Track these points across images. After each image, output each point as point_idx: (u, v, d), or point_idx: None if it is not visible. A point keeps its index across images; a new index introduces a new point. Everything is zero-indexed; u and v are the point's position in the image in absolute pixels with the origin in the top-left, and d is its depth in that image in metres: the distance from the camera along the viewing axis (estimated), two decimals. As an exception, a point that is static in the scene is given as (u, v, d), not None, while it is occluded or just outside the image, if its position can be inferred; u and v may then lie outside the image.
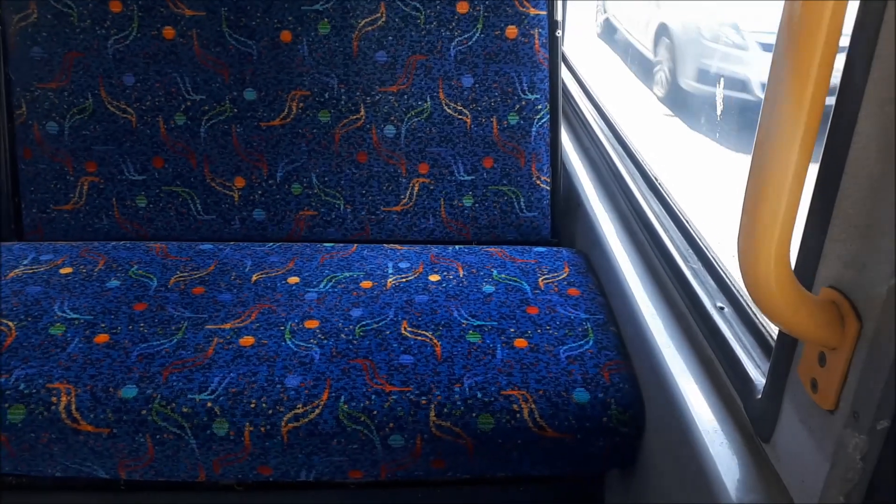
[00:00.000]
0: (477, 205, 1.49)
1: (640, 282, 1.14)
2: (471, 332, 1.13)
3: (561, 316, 1.18)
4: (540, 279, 1.29)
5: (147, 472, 1.03)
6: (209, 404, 1.00)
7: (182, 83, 1.44)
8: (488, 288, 1.26)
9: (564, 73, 1.82)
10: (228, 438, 0.99)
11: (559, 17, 1.50)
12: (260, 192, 1.47)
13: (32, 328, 1.11)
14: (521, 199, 1.49)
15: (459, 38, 1.46)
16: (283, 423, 0.99)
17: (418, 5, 1.45)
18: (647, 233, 1.18)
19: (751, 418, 0.78)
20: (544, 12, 1.47)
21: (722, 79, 3.41)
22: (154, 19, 1.42)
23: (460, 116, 1.47)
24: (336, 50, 1.45)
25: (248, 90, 1.45)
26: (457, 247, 1.42)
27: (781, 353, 0.68)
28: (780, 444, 0.70)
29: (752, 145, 0.53)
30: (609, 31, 5.96)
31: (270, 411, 0.99)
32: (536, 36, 1.47)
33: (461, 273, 1.31)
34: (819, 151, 0.57)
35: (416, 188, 1.49)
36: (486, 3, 1.45)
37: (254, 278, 1.27)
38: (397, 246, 1.42)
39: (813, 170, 0.55)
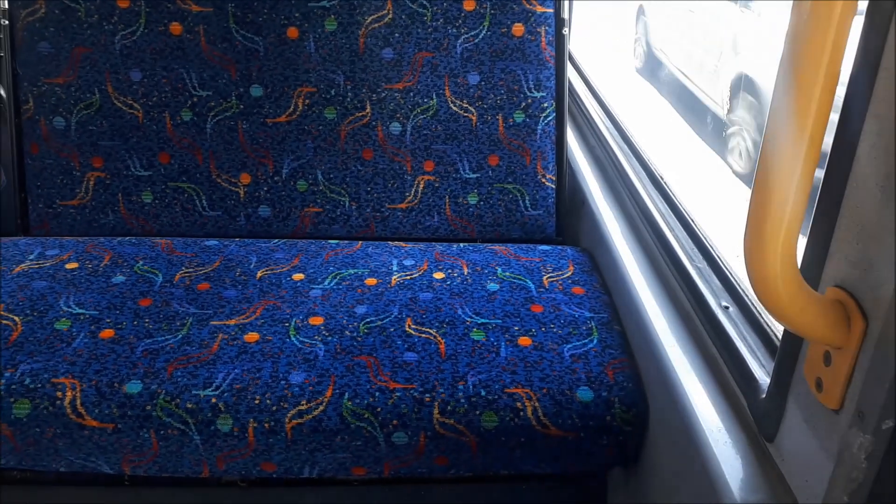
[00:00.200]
0: (482, 202, 1.49)
1: (645, 280, 1.14)
2: (475, 329, 1.13)
3: (565, 314, 1.18)
4: (544, 277, 1.29)
5: (151, 468, 1.03)
6: (213, 400, 1.00)
7: (189, 79, 1.44)
8: (493, 286, 1.26)
9: (570, 71, 1.82)
10: (232, 434, 0.99)
11: (566, 15, 1.50)
12: (265, 188, 1.47)
13: (38, 323, 1.11)
14: (527, 198, 1.49)
15: (466, 36, 1.46)
16: (287, 420, 0.99)
17: (425, 2, 1.45)
18: (652, 231, 1.18)
19: (755, 417, 0.78)
20: (551, 10, 1.47)
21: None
22: (161, 15, 1.42)
23: (466, 114, 1.47)
24: (342, 47, 1.45)
25: (254, 86, 1.45)
26: (461, 244, 1.42)
27: (786, 353, 0.68)
28: (785, 443, 0.70)
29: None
30: (652, 67, 4.91)
31: (274, 408, 1.00)
32: (543, 34, 1.47)
33: (466, 271, 1.31)
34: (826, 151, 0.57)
35: (422, 186, 1.49)
36: (493, 0, 1.45)
37: (259, 275, 1.28)
38: (402, 243, 1.42)
39: (820, 170, 0.55)
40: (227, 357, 1.06)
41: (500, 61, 1.46)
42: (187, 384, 1.01)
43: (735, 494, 0.71)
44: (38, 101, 1.43)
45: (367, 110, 1.46)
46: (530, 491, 1.22)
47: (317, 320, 1.14)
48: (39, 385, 1.01)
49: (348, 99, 1.46)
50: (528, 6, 1.46)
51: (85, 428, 0.99)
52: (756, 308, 0.90)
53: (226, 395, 1.00)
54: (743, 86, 3.22)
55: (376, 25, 1.45)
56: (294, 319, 1.15)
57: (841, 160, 0.58)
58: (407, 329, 1.13)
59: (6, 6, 1.42)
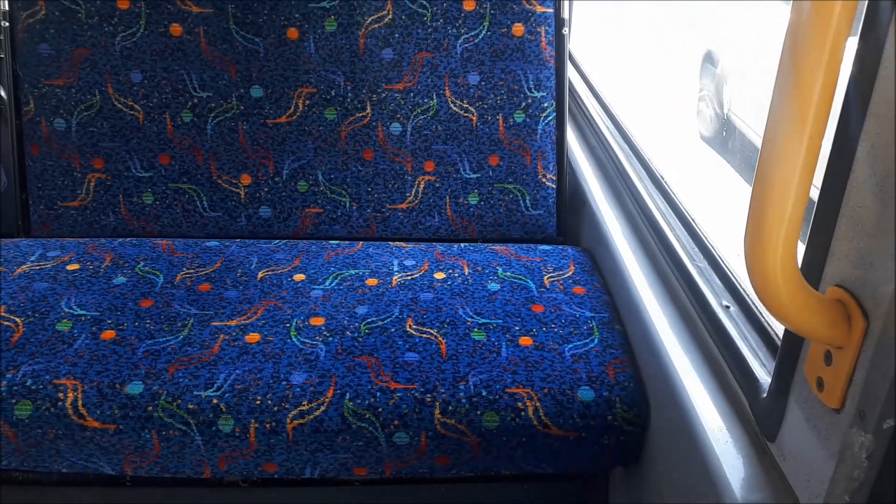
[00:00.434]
0: (482, 203, 1.49)
1: (646, 280, 1.14)
2: (476, 329, 1.13)
3: (566, 314, 1.18)
4: (545, 277, 1.29)
5: (153, 469, 1.03)
6: (215, 401, 1.00)
7: (189, 80, 1.44)
8: (493, 286, 1.26)
9: (570, 71, 1.82)
10: (234, 435, 0.99)
11: (566, 15, 1.50)
12: (266, 189, 1.48)
13: (39, 324, 1.11)
14: (527, 197, 1.49)
15: (466, 36, 1.46)
16: (288, 420, 0.99)
17: (425, 3, 1.45)
18: (653, 231, 1.18)
19: (756, 417, 0.78)
20: (551, 10, 1.47)
21: None
22: (161, 16, 1.42)
23: (466, 114, 1.47)
24: (342, 47, 1.45)
25: (254, 87, 1.45)
26: (462, 245, 1.42)
27: (787, 352, 0.68)
28: (786, 443, 0.70)
29: None
30: (726, 137, 3.64)
31: (276, 408, 1.00)
32: (543, 33, 1.47)
33: (466, 271, 1.31)
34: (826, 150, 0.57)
35: (422, 186, 1.49)
36: (493, 0, 1.45)
37: (260, 275, 1.28)
38: (403, 244, 1.42)
39: (820, 168, 0.55)
40: (229, 358, 1.06)
41: (500, 61, 1.47)
42: (189, 385, 1.02)
43: (736, 494, 0.71)
44: (39, 103, 1.43)
45: (368, 111, 1.46)
46: (531, 491, 1.22)
47: (318, 321, 1.15)
48: (41, 386, 1.01)
49: (348, 99, 1.46)
50: (527, 6, 1.46)
51: (86, 429, 0.99)
52: (757, 308, 0.90)
53: (227, 395, 1.01)
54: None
55: (376, 26, 1.45)
56: (295, 320, 1.15)
57: (841, 159, 0.58)
58: (408, 329, 1.13)
59: (6, 8, 1.42)
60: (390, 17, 1.45)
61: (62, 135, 1.44)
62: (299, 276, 1.28)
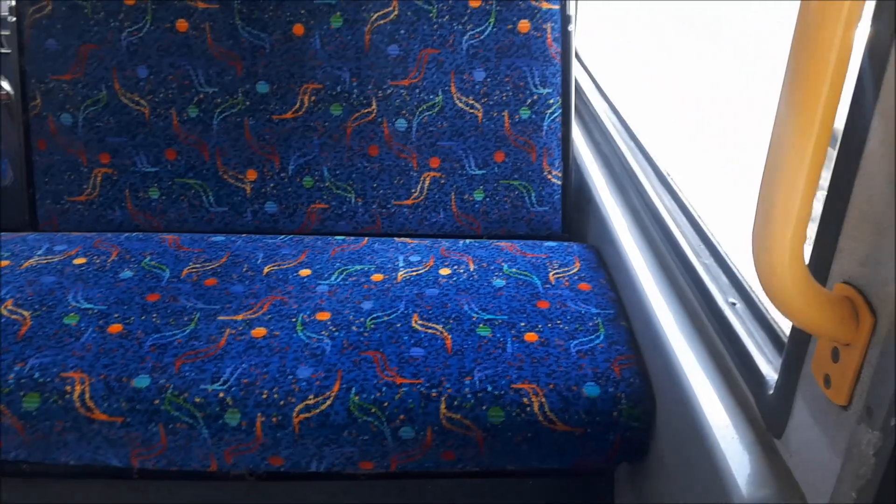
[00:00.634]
0: (488, 199, 1.49)
1: (652, 277, 1.14)
2: (481, 325, 1.14)
3: (571, 310, 1.18)
4: (551, 274, 1.30)
5: (159, 462, 1.04)
6: (221, 394, 1.00)
7: (195, 76, 1.44)
8: (499, 282, 1.26)
9: (576, 68, 1.82)
10: (240, 429, 0.99)
11: (572, 12, 1.49)
12: (272, 184, 1.48)
13: (47, 318, 1.12)
14: (533, 194, 1.49)
15: (472, 32, 1.46)
16: (294, 414, 0.99)
17: None
18: (659, 228, 1.18)
19: (762, 414, 0.78)
20: (557, 6, 1.47)
21: None
22: (167, 12, 1.43)
23: (472, 110, 1.47)
24: (348, 43, 1.45)
25: (260, 83, 1.45)
26: (467, 241, 1.42)
27: (794, 349, 0.68)
28: (792, 439, 0.70)
29: None
30: None
31: (282, 402, 1.00)
32: (549, 30, 1.47)
33: (472, 267, 1.31)
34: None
35: (427, 182, 1.49)
36: None
37: (266, 270, 1.28)
38: (408, 239, 1.42)
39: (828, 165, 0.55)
40: (235, 352, 1.07)
41: (505, 58, 1.46)
42: (195, 379, 1.02)
43: (742, 490, 0.71)
44: (46, 98, 1.44)
45: (373, 107, 1.47)
46: (536, 486, 1.23)
47: (324, 316, 1.15)
48: (49, 379, 1.01)
49: (354, 96, 1.46)
50: (534, 3, 1.45)
51: (94, 421, 1.00)
52: (763, 304, 0.90)
53: (233, 389, 1.01)
54: None
55: (382, 22, 1.45)
56: (301, 315, 1.15)
57: (849, 156, 0.58)
58: (413, 325, 1.13)
59: (13, 3, 1.43)
60: (396, 13, 1.45)
61: (69, 130, 1.44)
62: (305, 272, 1.28)
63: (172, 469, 1.05)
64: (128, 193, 1.47)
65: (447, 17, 1.45)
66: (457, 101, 1.47)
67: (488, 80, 1.47)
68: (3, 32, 2.14)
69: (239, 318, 1.14)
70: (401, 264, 1.31)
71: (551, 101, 1.48)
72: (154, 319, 1.13)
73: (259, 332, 1.11)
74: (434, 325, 1.13)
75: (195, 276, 1.25)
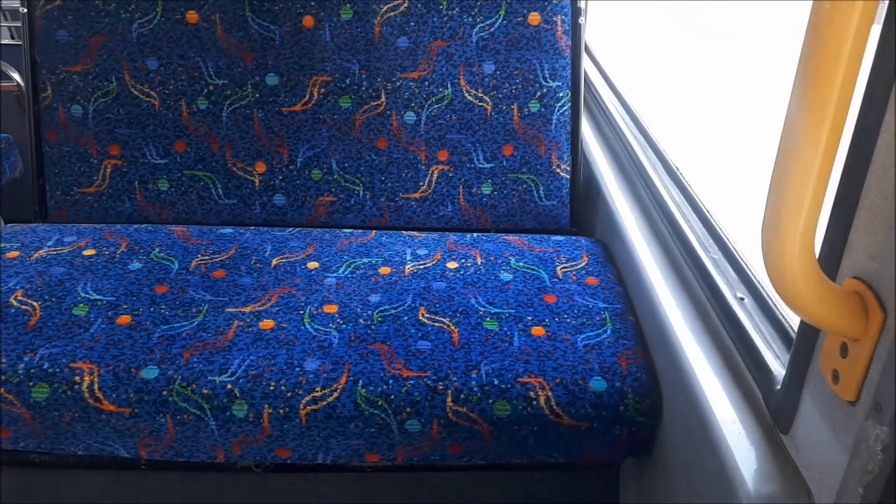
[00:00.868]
0: (496, 192, 1.49)
1: (660, 271, 1.13)
2: (488, 319, 1.14)
3: (579, 305, 1.18)
4: (558, 268, 1.29)
5: (167, 452, 1.05)
6: (229, 386, 1.01)
7: (205, 67, 1.45)
8: (506, 276, 1.26)
9: (586, 61, 1.81)
10: (248, 420, 1.00)
11: (582, 5, 1.49)
12: (280, 177, 1.48)
13: (56, 308, 1.13)
14: (541, 188, 1.49)
15: (482, 25, 1.45)
16: (301, 406, 1.00)
17: None
18: (668, 222, 1.18)
19: (770, 409, 0.78)
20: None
21: None
22: (178, 3, 1.43)
23: (481, 103, 1.47)
24: (358, 35, 1.45)
25: (270, 75, 1.45)
26: (475, 234, 1.42)
27: (802, 344, 0.68)
28: (800, 435, 0.70)
29: None
30: None
31: (289, 394, 1.00)
32: (559, 23, 1.46)
33: (479, 261, 1.31)
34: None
35: (436, 175, 1.49)
36: None
37: (274, 263, 1.28)
38: (415, 233, 1.42)
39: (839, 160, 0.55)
40: (243, 344, 1.07)
41: (515, 50, 1.46)
42: (203, 370, 1.03)
43: (749, 486, 0.71)
44: (56, 89, 1.44)
45: (382, 99, 1.46)
46: (542, 480, 1.23)
47: (331, 308, 1.15)
48: (58, 369, 1.02)
49: (363, 88, 1.46)
50: None
51: (102, 412, 1.00)
52: (772, 299, 0.89)
53: (241, 381, 1.01)
54: None
55: (392, 14, 1.45)
56: (309, 307, 1.15)
57: (860, 151, 0.57)
58: (420, 318, 1.13)
59: None
60: (406, 5, 1.45)
61: (79, 121, 1.45)
62: (313, 264, 1.28)
63: (180, 460, 1.06)
64: (137, 185, 1.47)
65: (457, 9, 1.45)
66: (466, 94, 1.46)
67: (498, 72, 1.46)
68: (14, 24, 2.15)
69: (247, 310, 1.15)
70: (408, 257, 1.31)
71: (561, 95, 1.48)
72: (163, 311, 1.14)
73: (267, 324, 1.11)
74: (441, 319, 1.13)
75: (204, 267, 1.26)
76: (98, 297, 1.16)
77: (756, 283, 0.94)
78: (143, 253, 1.30)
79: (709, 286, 0.98)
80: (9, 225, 1.41)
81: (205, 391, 1.00)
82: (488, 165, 1.48)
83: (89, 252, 1.29)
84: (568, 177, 1.50)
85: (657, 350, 1.06)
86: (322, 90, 1.46)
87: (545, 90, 1.47)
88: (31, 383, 1.01)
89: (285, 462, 1.06)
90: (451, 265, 1.29)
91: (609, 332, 1.12)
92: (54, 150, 1.46)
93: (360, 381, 1.02)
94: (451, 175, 1.49)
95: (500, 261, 1.31)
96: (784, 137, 0.52)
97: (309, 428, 1.00)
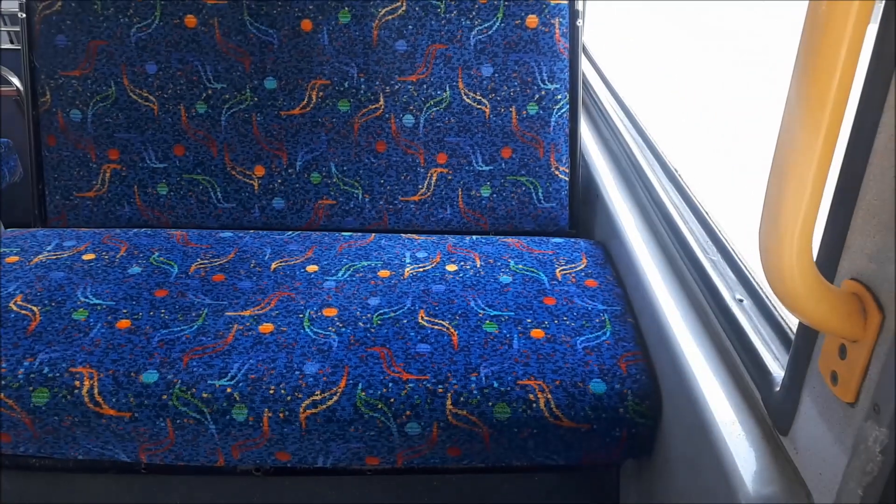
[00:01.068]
0: (495, 195, 1.49)
1: (659, 273, 1.13)
2: (487, 321, 1.14)
3: (578, 307, 1.18)
4: (557, 270, 1.29)
5: (167, 457, 1.04)
6: (229, 390, 1.01)
7: (203, 71, 1.45)
8: (505, 278, 1.26)
9: (584, 63, 1.81)
10: (247, 424, 1.00)
11: (580, 7, 1.49)
12: (279, 180, 1.48)
13: (56, 313, 1.13)
14: (540, 190, 1.49)
15: (479, 28, 1.45)
16: (301, 410, 1.00)
17: None
18: (666, 224, 1.18)
19: (769, 411, 0.78)
20: (565, 1, 1.46)
21: None
22: (176, 7, 1.43)
23: (479, 106, 1.47)
24: (356, 39, 1.45)
25: (268, 79, 1.45)
26: (474, 237, 1.42)
27: (801, 346, 0.68)
28: (799, 436, 0.70)
29: None
30: None
31: (289, 398, 1.00)
32: (557, 25, 1.46)
33: (478, 263, 1.31)
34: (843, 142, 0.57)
35: (434, 178, 1.49)
36: None
37: (273, 266, 1.28)
38: (415, 236, 1.42)
39: (837, 161, 0.55)
40: (242, 347, 1.07)
41: (513, 53, 1.46)
42: (203, 374, 1.02)
43: (748, 487, 0.71)
44: (55, 94, 1.44)
45: (381, 103, 1.47)
46: (542, 482, 1.23)
47: (331, 312, 1.15)
48: (58, 374, 1.02)
49: (362, 91, 1.46)
50: None
51: (102, 416, 1.00)
52: (770, 301, 0.89)
53: (241, 384, 1.01)
54: None
55: (390, 17, 1.45)
56: (308, 311, 1.15)
57: (858, 152, 0.57)
58: (420, 321, 1.13)
59: (24, 0, 1.43)
60: (404, 8, 1.45)
61: (78, 126, 1.45)
62: (312, 268, 1.28)
63: (180, 464, 1.06)
64: (136, 189, 1.47)
65: (455, 12, 1.45)
66: (464, 97, 1.46)
67: (496, 75, 1.46)
68: (13, 28, 2.15)
69: (246, 313, 1.15)
70: (407, 260, 1.31)
71: (559, 97, 1.48)
72: (162, 315, 1.14)
73: (266, 327, 1.11)
74: (440, 322, 1.13)
75: (203, 271, 1.26)
76: (97, 301, 1.16)
77: (755, 284, 0.94)
78: (142, 257, 1.30)
79: (708, 288, 0.98)
80: (8, 229, 1.41)
81: (204, 395, 1.00)
82: (487, 168, 1.48)
83: (89, 256, 1.29)
84: (567, 179, 1.50)
85: (657, 352, 1.06)
86: (320, 94, 1.46)
87: (543, 92, 1.47)
88: (30, 388, 1.01)
89: (285, 466, 1.05)
90: (451, 268, 1.29)
91: (608, 334, 1.12)
92: (53, 154, 1.47)
93: (360, 385, 1.02)
94: (449, 178, 1.49)
95: (499, 263, 1.31)
96: (781, 138, 0.52)
97: (309, 431, 1.00)
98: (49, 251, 1.30)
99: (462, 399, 1.01)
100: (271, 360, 1.05)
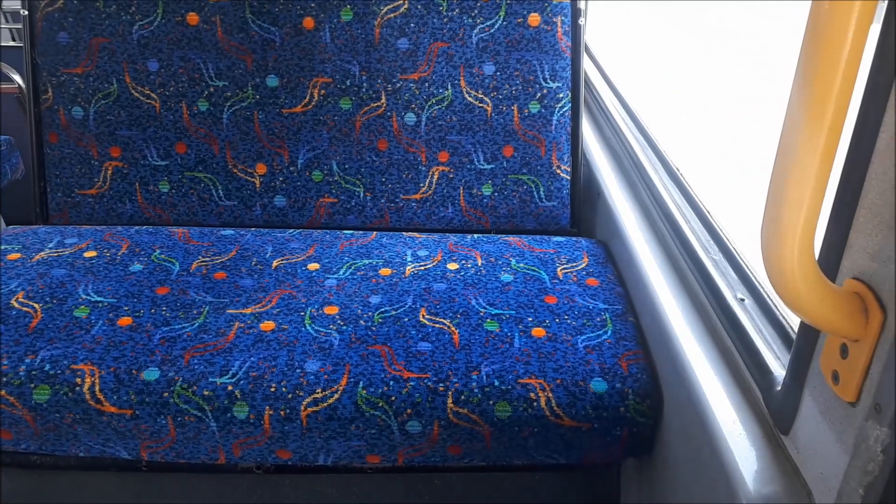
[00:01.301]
0: (496, 194, 1.49)
1: (660, 272, 1.13)
2: (488, 320, 1.14)
3: (579, 306, 1.18)
4: (559, 269, 1.29)
5: (168, 454, 1.05)
6: (230, 388, 1.01)
7: (205, 69, 1.45)
8: (506, 277, 1.26)
9: (586, 62, 1.81)
10: (248, 422, 1.00)
11: (582, 6, 1.49)
12: (281, 178, 1.48)
13: (57, 310, 1.13)
14: (541, 189, 1.49)
15: (482, 26, 1.45)
16: (302, 408, 1.00)
17: None
18: (668, 223, 1.18)
19: (770, 410, 0.78)
20: (568, 0, 1.46)
21: None
22: (178, 5, 1.43)
23: (481, 104, 1.47)
24: (358, 37, 1.45)
25: (270, 77, 1.45)
26: (475, 235, 1.42)
27: (803, 345, 0.68)
28: (800, 436, 0.70)
29: None
30: None
31: (290, 395, 1.00)
32: (559, 24, 1.46)
33: (479, 262, 1.31)
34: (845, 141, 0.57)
35: (436, 176, 1.49)
36: None
37: (274, 264, 1.28)
38: (416, 234, 1.42)
39: (839, 160, 0.55)
40: (244, 345, 1.07)
41: (515, 51, 1.46)
42: (204, 372, 1.03)
43: (749, 486, 0.71)
44: (57, 91, 1.45)
45: (382, 101, 1.47)
46: (543, 481, 1.23)
47: (332, 310, 1.15)
48: (59, 371, 1.02)
49: (363, 89, 1.46)
50: None
51: (103, 414, 1.01)
52: (772, 300, 0.89)
53: (242, 382, 1.01)
54: None
55: (392, 15, 1.45)
56: (309, 309, 1.15)
57: (860, 151, 0.57)
58: (421, 319, 1.13)
59: None
60: (406, 6, 1.45)
61: (80, 123, 1.45)
62: (314, 266, 1.28)
63: (181, 462, 1.06)
64: (138, 187, 1.47)
65: (457, 10, 1.45)
66: (466, 95, 1.46)
67: (498, 73, 1.46)
68: (14, 26, 2.15)
69: (248, 311, 1.15)
70: (409, 259, 1.31)
71: (561, 96, 1.48)
72: (163, 312, 1.14)
73: (268, 325, 1.11)
74: (442, 320, 1.13)
75: (204, 269, 1.26)
76: (99, 298, 1.16)
77: (756, 283, 0.94)
78: (143, 255, 1.30)
79: (709, 287, 0.98)
80: (10, 227, 1.41)
81: (206, 393, 1.01)
82: (488, 166, 1.48)
83: (90, 254, 1.29)
84: (568, 178, 1.50)
85: (658, 351, 1.06)
86: (322, 91, 1.46)
87: (545, 91, 1.47)
88: (32, 385, 1.01)
89: (286, 463, 1.06)
90: (452, 266, 1.29)
91: (609, 332, 1.12)
92: (55, 151, 1.47)
93: (361, 383, 1.02)
94: (451, 176, 1.49)
95: (500, 262, 1.31)
96: (783, 138, 0.52)
97: (310, 429, 1.00)
98: (50, 248, 1.31)
99: (463, 397, 1.01)
100: (272, 357, 1.05)
